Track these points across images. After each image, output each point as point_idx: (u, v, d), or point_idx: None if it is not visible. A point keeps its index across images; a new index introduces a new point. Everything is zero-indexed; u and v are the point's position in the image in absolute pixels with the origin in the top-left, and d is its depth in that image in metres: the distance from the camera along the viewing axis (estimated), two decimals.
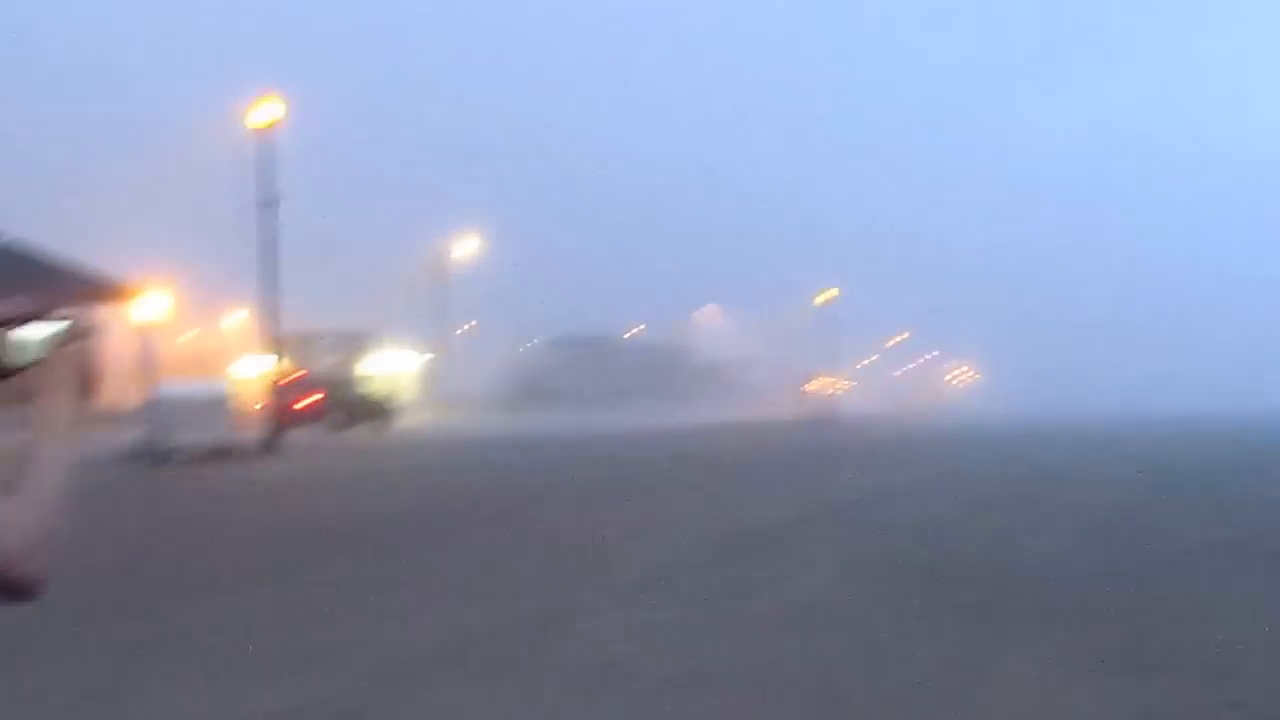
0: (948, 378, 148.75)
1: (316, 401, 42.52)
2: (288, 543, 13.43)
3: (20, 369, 1.87)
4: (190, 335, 70.72)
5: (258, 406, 36.14)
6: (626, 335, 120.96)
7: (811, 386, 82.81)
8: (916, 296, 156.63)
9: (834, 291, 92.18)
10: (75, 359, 1.90)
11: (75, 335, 1.90)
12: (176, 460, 25.20)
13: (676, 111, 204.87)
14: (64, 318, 1.90)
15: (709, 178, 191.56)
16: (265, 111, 30.66)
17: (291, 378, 40.22)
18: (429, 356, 74.55)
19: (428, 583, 10.31)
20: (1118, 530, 14.04)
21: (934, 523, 14.69)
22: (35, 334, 1.88)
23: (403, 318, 79.00)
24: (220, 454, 26.69)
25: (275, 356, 35.41)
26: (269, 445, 30.85)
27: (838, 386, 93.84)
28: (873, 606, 9.09)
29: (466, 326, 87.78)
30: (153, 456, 25.30)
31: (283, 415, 34.97)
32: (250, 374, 54.05)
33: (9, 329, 1.87)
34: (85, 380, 1.90)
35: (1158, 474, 23.77)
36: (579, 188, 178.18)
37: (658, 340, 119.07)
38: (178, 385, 30.59)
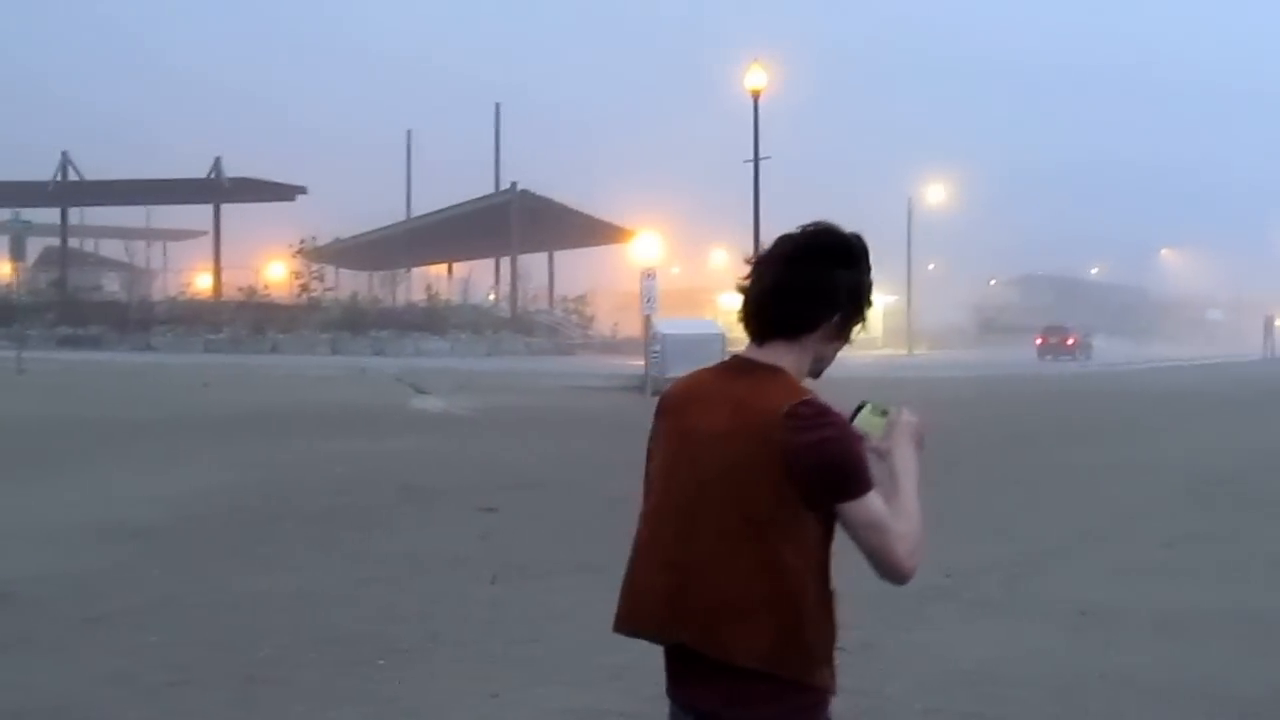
0: None
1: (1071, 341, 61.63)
2: None
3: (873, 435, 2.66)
4: (675, 272, 76.45)
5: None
6: (1090, 273, 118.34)
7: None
8: None
9: None
10: (904, 430, 2.65)
11: (895, 420, 2.67)
12: None
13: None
14: (884, 411, 2.68)
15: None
16: (754, 78, 32.75)
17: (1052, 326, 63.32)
18: (893, 297, 75.83)
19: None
20: None
21: None
22: (875, 420, 2.67)
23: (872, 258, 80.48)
24: None
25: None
26: None
27: None
28: None
29: (929, 266, 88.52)
30: (655, 387, 28.25)
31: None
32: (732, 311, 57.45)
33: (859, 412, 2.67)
34: (916, 443, 2.66)
35: None
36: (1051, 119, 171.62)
37: (1120, 280, 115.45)
38: (673, 323, 33.43)
